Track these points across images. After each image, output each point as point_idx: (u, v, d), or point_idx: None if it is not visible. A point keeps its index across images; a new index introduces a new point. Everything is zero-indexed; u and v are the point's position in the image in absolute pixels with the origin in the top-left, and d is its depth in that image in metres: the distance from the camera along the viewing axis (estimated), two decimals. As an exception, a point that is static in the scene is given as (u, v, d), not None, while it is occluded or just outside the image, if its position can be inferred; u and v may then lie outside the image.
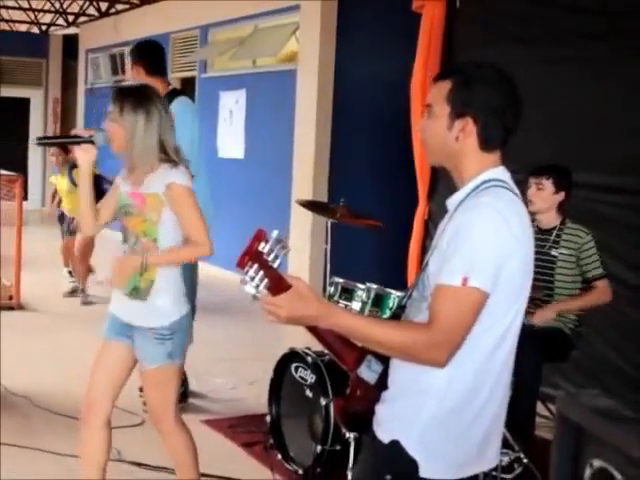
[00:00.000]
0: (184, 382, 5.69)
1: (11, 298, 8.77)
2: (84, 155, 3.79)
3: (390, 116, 8.85)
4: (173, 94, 5.71)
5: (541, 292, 4.91)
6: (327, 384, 4.43)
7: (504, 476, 4.44)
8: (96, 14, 15.63)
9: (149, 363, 3.75)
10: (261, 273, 2.18)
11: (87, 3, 15.31)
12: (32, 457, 4.86)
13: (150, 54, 5.84)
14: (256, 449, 5.07)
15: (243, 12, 11.14)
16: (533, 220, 4.92)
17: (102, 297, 9.22)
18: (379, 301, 4.60)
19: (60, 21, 16.99)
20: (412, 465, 2.31)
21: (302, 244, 9.28)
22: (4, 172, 9.60)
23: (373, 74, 9.34)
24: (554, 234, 5.07)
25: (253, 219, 8.86)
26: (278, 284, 2.19)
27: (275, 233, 2.22)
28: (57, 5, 15.94)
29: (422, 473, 2.31)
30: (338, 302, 4.74)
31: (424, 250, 7.18)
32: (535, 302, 4.86)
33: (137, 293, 3.74)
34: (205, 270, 6.84)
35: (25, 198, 10.98)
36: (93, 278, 9.89)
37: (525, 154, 5.03)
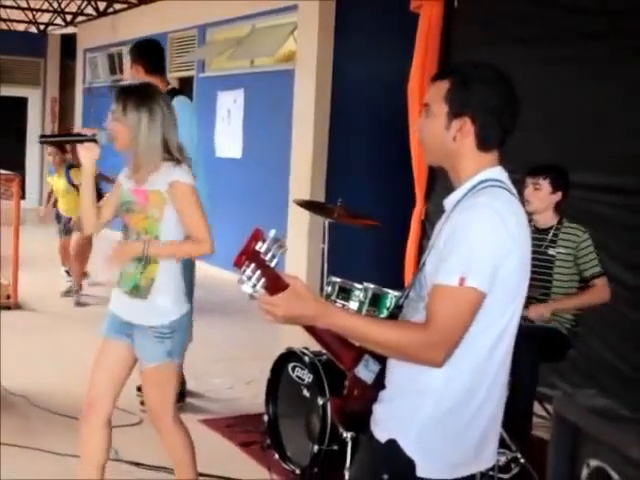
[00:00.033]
0: (182, 382, 5.69)
1: (8, 297, 8.76)
2: (87, 153, 3.80)
3: (388, 116, 8.85)
4: (172, 93, 5.70)
5: (537, 291, 4.91)
6: (324, 384, 4.43)
7: (501, 476, 4.44)
8: (94, 14, 15.62)
9: (149, 361, 3.75)
10: (258, 272, 2.18)
11: (85, 3, 15.31)
12: (32, 457, 4.86)
13: (149, 53, 5.84)
14: (253, 449, 5.07)
15: (241, 12, 11.14)
16: (530, 220, 4.93)
17: (98, 297, 9.26)
18: (376, 301, 4.60)
19: (58, 20, 16.99)
20: (409, 465, 2.32)
21: (299, 244, 9.28)
22: (2, 171, 9.60)
23: (371, 74, 9.33)
24: (551, 234, 5.08)
25: (250, 219, 8.86)
26: (275, 283, 2.19)
27: (272, 232, 2.22)
28: (55, 5, 15.94)
29: (419, 473, 2.31)
30: (335, 302, 4.74)
31: (421, 250, 7.19)
32: (530, 301, 4.86)
33: (137, 291, 3.75)
34: (202, 270, 6.84)
35: (23, 197, 10.99)
36: (90, 280, 9.92)
37: (524, 154, 5.04)
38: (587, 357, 5.87)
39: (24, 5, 15.80)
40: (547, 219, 5.11)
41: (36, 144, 18.34)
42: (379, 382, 2.42)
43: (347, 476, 4.04)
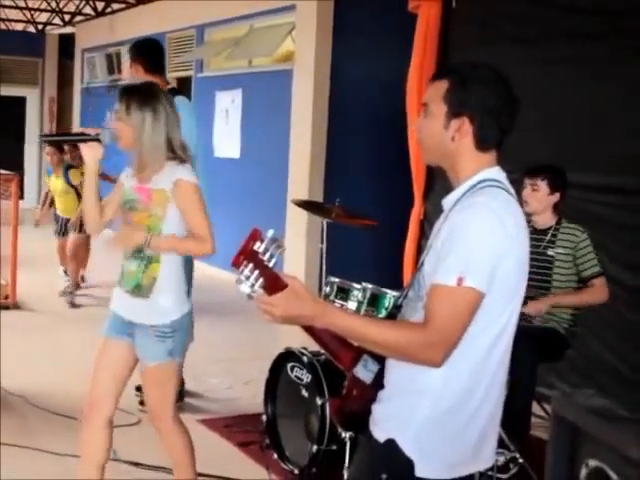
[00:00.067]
0: (180, 382, 5.68)
1: (7, 297, 8.76)
2: (90, 152, 3.81)
3: (386, 116, 8.86)
4: (171, 93, 5.69)
5: (534, 291, 4.91)
6: (323, 384, 4.43)
7: (500, 476, 4.44)
8: (92, 13, 15.62)
9: (149, 360, 3.76)
10: (256, 272, 2.18)
11: (83, 2, 15.31)
12: (31, 457, 4.86)
13: (149, 52, 5.84)
14: (252, 449, 5.07)
15: (239, 12, 11.13)
16: (529, 221, 4.93)
17: (94, 298, 9.27)
18: (375, 301, 4.60)
19: (56, 20, 16.98)
20: (408, 464, 2.32)
21: (298, 244, 9.28)
22: (0, 171, 9.59)
23: (369, 74, 9.33)
24: (550, 234, 5.08)
25: (249, 219, 8.85)
26: (274, 283, 2.19)
27: (270, 232, 2.22)
28: (53, 4, 15.93)
29: (418, 472, 2.31)
30: (334, 302, 4.74)
31: (420, 250, 7.19)
32: (527, 302, 4.86)
33: (139, 291, 3.75)
34: (201, 270, 6.83)
35: (21, 197, 10.98)
36: (85, 284, 9.92)
37: (522, 154, 5.04)
38: (586, 357, 5.87)
39: (22, 5, 15.78)
40: (546, 219, 5.11)
41: (35, 144, 18.36)
42: (378, 382, 2.42)
43: (346, 476, 4.04)
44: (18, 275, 8.81)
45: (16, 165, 15.40)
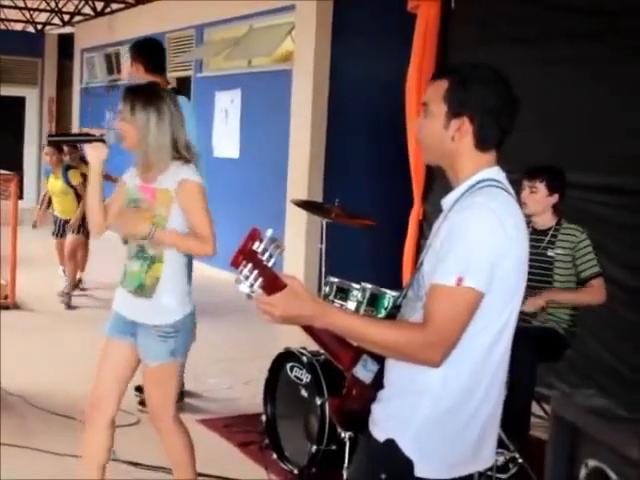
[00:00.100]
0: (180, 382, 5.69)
1: (6, 297, 8.76)
2: (94, 153, 3.81)
3: (385, 116, 8.86)
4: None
5: (534, 292, 4.90)
6: (322, 384, 4.43)
7: (499, 476, 4.44)
8: (91, 13, 15.62)
9: (151, 360, 3.76)
10: (255, 272, 2.17)
11: (82, 2, 15.31)
12: (30, 457, 4.86)
13: (149, 52, 5.83)
14: (251, 449, 5.07)
15: (238, 12, 11.13)
16: (529, 221, 4.93)
17: (92, 299, 9.26)
18: (374, 301, 4.60)
19: (55, 20, 16.98)
20: (407, 464, 2.32)
21: (297, 244, 9.28)
22: (0, 171, 9.59)
23: (368, 74, 9.33)
24: (550, 235, 5.08)
25: (248, 219, 8.84)
26: (273, 283, 2.19)
27: (269, 232, 2.22)
28: (52, 4, 15.93)
29: (417, 472, 2.31)
30: (333, 302, 4.74)
31: (419, 250, 7.18)
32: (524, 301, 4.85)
33: (142, 290, 3.75)
34: (200, 270, 6.84)
35: (20, 197, 10.97)
36: (83, 284, 9.92)
37: (522, 154, 5.03)
38: (585, 357, 5.87)
39: (21, 5, 15.79)
40: (546, 220, 5.11)
41: (34, 144, 18.37)
42: (377, 382, 2.41)
43: (345, 476, 4.04)
44: (17, 275, 8.81)
45: (15, 165, 15.38)
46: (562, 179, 5.10)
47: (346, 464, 4.09)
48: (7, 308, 8.57)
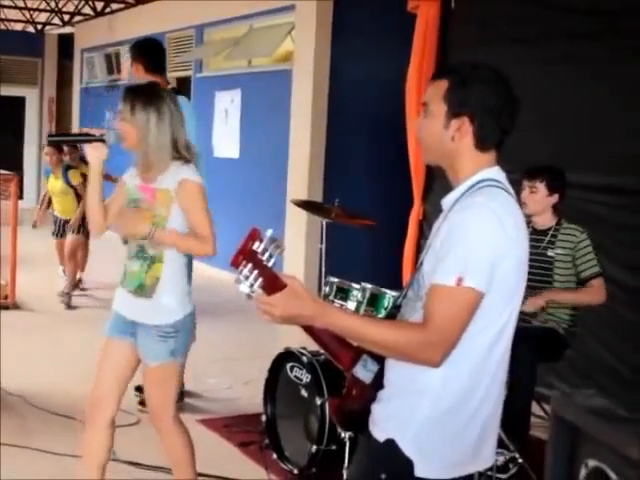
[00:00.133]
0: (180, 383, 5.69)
1: (6, 297, 8.75)
2: (95, 153, 3.81)
3: (385, 116, 8.86)
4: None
5: (534, 293, 4.90)
6: (322, 384, 4.43)
7: (499, 476, 4.44)
8: (91, 13, 15.62)
9: (151, 360, 3.76)
10: (255, 272, 2.17)
11: (82, 2, 15.31)
12: (30, 457, 4.86)
13: (149, 52, 5.84)
14: (251, 449, 5.07)
15: (238, 12, 11.13)
16: (529, 222, 4.93)
17: (91, 299, 9.26)
18: (374, 301, 4.60)
19: (55, 20, 16.98)
20: (407, 464, 2.32)
21: (297, 244, 9.28)
22: (0, 171, 9.58)
23: (368, 74, 9.34)
24: (549, 235, 5.07)
25: (248, 219, 8.84)
26: (273, 283, 2.19)
27: (269, 232, 2.22)
28: (52, 4, 15.93)
29: (417, 472, 2.31)
30: (333, 302, 4.73)
31: (419, 250, 7.18)
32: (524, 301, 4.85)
33: (142, 290, 3.75)
34: (200, 270, 6.84)
35: (20, 197, 10.97)
36: (83, 284, 9.92)
37: (522, 154, 5.03)
38: (585, 357, 5.87)
39: (21, 5, 15.78)
40: (546, 220, 5.10)
41: (34, 144, 18.36)
42: (377, 382, 2.41)
43: (345, 476, 4.04)
44: (17, 275, 8.81)
45: (15, 165, 15.38)
46: (562, 179, 5.09)
47: (346, 464, 4.09)
48: (7, 308, 8.57)
